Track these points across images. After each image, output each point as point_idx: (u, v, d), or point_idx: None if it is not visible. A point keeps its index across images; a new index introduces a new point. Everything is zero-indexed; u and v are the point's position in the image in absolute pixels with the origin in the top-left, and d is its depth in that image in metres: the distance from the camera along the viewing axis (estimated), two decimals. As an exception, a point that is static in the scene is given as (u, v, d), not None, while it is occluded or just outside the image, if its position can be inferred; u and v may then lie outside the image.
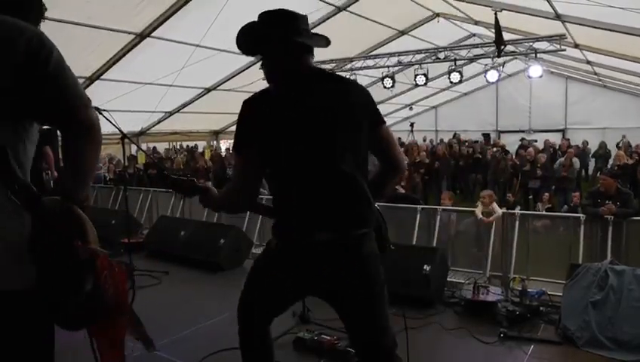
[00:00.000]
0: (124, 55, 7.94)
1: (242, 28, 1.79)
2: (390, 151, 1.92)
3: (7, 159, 1.24)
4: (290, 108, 1.73)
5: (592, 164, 14.93)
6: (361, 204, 1.78)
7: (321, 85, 1.80)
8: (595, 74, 13.13)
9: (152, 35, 7.57)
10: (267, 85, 1.85)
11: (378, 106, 1.91)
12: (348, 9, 8.79)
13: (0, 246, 1.23)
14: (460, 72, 9.63)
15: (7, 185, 1.23)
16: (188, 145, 15.12)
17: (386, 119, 1.93)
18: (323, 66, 10.22)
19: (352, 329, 1.88)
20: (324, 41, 1.85)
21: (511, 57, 11.64)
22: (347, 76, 10.44)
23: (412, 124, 18.38)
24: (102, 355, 1.40)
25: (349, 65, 10.49)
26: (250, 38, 1.79)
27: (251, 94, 1.81)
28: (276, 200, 1.84)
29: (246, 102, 1.75)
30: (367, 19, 9.49)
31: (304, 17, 1.82)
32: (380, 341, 1.84)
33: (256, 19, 1.81)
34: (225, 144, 15.91)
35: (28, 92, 1.26)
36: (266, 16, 1.79)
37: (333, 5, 8.61)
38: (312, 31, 1.87)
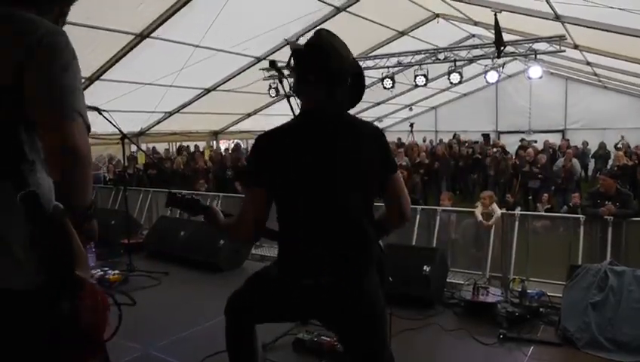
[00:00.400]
0: (123, 55, 7.93)
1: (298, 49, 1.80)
2: (399, 200, 1.90)
3: (20, 161, 1.24)
4: (303, 141, 1.75)
5: (591, 164, 14.95)
6: (366, 248, 1.80)
7: (337, 122, 1.81)
8: (595, 75, 13.14)
9: (152, 35, 7.56)
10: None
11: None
12: (348, 9, 8.78)
13: (3, 246, 1.24)
14: (460, 73, 9.62)
15: (16, 188, 1.22)
16: (188, 146, 15.15)
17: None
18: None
19: (351, 353, 1.92)
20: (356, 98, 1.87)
21: (511, 58, 11.64)
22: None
23: (412, 125, 18.36)
24: None
25: (348, 66, 10.47)
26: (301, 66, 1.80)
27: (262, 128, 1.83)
28: (282, 235, 1.84)
29: (259, 138, 1.77)
30: (367, 19, 9.49)
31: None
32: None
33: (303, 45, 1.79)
34: (224, 144, 15.92)
35: (23, 91, 1.23)
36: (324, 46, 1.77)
37: (333, 6, 8.61)
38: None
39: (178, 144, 15.03)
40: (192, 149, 14.99)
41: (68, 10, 1.48)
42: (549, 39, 8.20)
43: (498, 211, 5.83)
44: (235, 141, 16.02)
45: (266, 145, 1.76)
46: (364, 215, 1.79)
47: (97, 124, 4.26)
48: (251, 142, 16.33)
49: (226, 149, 14.88)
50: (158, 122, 11.81)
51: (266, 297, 1.96)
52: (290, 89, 1.87)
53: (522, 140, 15.71)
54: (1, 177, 1.24)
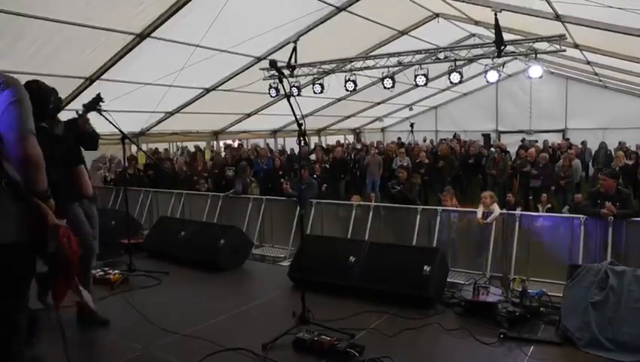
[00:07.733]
0: (124, 55, 7.94)
1: None
2: None
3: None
4: None
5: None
6: None
7: None
8: (595, 74, 13.14)
9: (152, 35, 7.57)
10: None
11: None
12: (348, 9, 8.79)
13: None
14: (460, 73, 9.60)
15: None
16: (186, 146, 15.18)
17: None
18: (323, 67, 10.22)
19: None
20: None
21: (511, 58, 11.62)
22: (347, 77, 10.41)
23: (412, 125, 18.41)
24: (56, 289, 2.08)
25: (349, 66, 10.48)
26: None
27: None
28: None
29: None
30: (367, 19, 9.50)
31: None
32: None
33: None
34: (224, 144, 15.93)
35: None
36: None
37: (333, 6, 8.62)
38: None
39: (179, 145, 15.05)
40: (192, 149, 15.01)
41: None
42: (549, 38, 8.19)
43: (497, 210, 5.83)
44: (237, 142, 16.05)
45: None
46: None
47: (98, 124, 4.28)
48: (252, 142, 16.37)
49: (226, 148, 14.88)
50: (159, 122, 11.84)
51: None
52: (286, 90, 1.87)
53: (523, 140, 15.72)
54: None
